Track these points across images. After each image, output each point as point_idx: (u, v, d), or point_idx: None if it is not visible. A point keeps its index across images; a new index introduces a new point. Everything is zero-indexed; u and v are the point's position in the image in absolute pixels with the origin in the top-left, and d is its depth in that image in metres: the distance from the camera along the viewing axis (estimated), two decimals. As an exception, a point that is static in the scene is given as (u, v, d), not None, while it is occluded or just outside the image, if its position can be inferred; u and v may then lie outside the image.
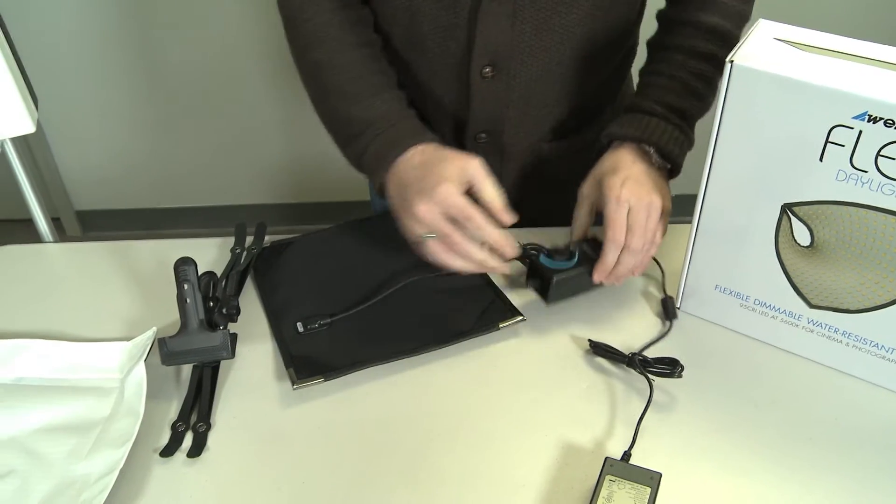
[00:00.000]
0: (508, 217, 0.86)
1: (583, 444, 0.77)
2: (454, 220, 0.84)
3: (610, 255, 0.87)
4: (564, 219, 0.96)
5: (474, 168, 0.85)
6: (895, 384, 0.82)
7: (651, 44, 1.01)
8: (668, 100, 0.92)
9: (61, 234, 2.55)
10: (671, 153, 0.90)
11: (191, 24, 2.17)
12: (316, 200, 2.51)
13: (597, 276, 0.88)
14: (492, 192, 0.85)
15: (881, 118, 0.69)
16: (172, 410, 0.81)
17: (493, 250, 0.85)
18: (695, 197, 0.83)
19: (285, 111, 2.29)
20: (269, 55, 2.10)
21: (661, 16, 1.00)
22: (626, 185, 0.87)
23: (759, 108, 0.74)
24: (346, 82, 0.93)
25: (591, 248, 0.90)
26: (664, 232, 0.91)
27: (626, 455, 0.74)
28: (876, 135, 0.70)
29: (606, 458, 0.73)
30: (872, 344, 0.81)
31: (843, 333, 0.82)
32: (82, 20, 2.16)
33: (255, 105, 2.28)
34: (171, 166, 2.47)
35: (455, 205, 0.83)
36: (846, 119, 0.70)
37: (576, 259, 0.89)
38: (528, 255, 0.91)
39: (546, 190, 1.10)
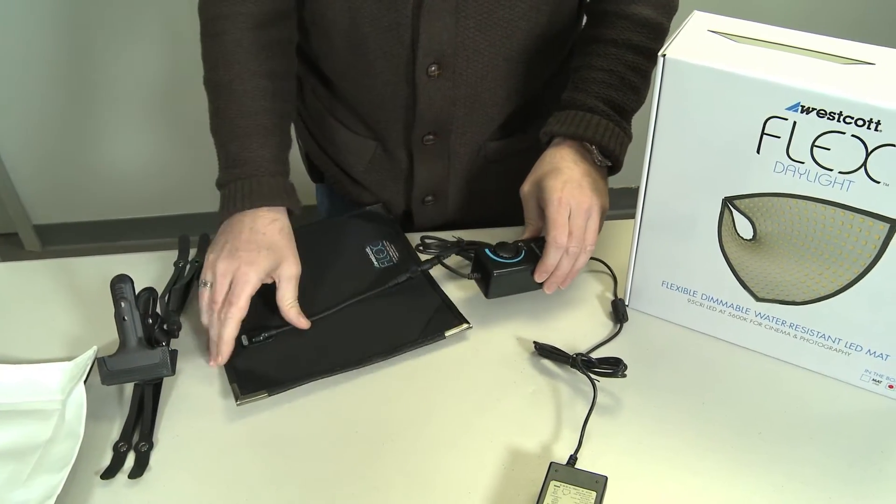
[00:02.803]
0: (304, 324, 0.87)
1: (529, 448, 0.76)
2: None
3: (551, 256, 0.86)
4: (509, 219, 0.95)
5: (287, 274, 0.86)
6: (842, 374, 0.81)
7: (583, 37, 0.99)
8: (608, 95, 0.92)
9: (20, 250, 2.53)
10: (613, 151, 0.90)
11: (144, 32, 2.14)
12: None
13: (538, 276, 0.87)
14: (288, 300, 0.86)
15: (814, 108, 0.68)
16: (114, 431, 0.79)
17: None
18: (637, 190, 0.83)
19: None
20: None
21: (591, 8, 1.00)
22: (567, 188, 0.86)
23: (694, 102, 0.73)
24: (236, 114, 0.90)
25: (539, 248, 0.89)
26: (600, 230, 0.89)
27: (572, 459, 0.73)
28: (810, 125, 0.69)
29: (551, 464, 0.72)
30: (819, 335, 0.80)
31: (790, 325, 0.81)
32: (31, 31, 2.13)
33: (194, 114, 2.24)
34: (131, 176, 2.44)
35: (237, 286, 0.83)
36: (780, 110, 0.69)
37: (521, 256, 0.88)
38: (473, 248, 0.90)
39: (492, 190, 1.09)
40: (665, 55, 0.72)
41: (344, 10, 0.92)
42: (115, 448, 0.77)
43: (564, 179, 0.87)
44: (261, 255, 0.85)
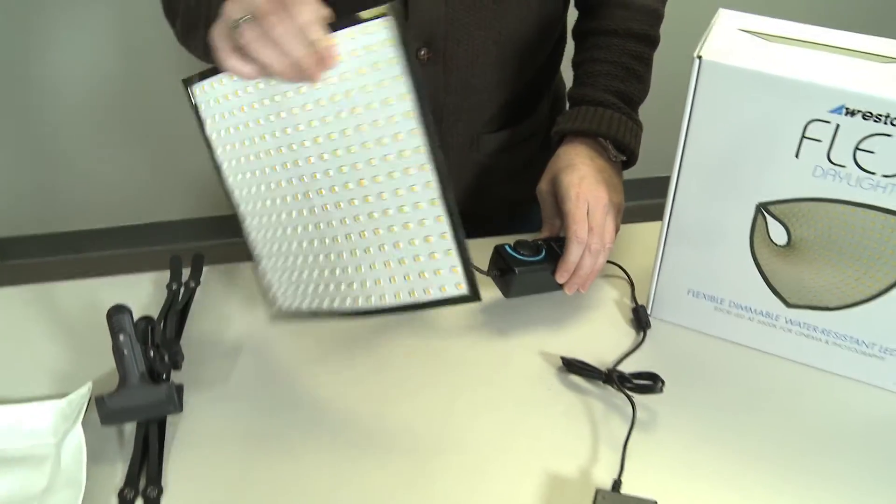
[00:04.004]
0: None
1: (568, 473, 0.72)
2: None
3: (574, 253, 0.82)
4: (504, 217, 0.91)
5: None
6: (876, 379, 0.79)
7: (581, 31, 0.98)
8: (616, 87, 0.90)
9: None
10: (629, 144, 0.88)
11: (104, 30, 2.04)
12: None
13: (559, 276, 0.84)
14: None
15: (859, 111, 0.65)
16: (118, 475, 0.73)
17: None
18: (656, 179, 0.80)
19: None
20: (188, 58, 1.98)
21: (585, 1, 0.98)
22: (584, 183, 0.84)
23: (731, 105, 0.70)
24: None
25: (559, 247, 0.85)
26: (617, 228, 0.87)
27: (617, 483, 0.70)
28: (854, 128, 0.66)
29: (598, 491, 0.68)
30: (853, 340, 0.78)
31: (822, 331, 0.79)
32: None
33: (177, 113, 2.14)
34: (92, 184, 2.33)
35: None
36: (823, 113, 0.67)
37: (542, 255, 0.85)
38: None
39: (486, 187, 1.06)
40: (701, 57, 0.69)
41: None
42: (121, 495, 0.71)
43: (581, 175, 0.85)
44: None
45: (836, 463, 0.73)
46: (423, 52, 0.89)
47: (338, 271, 0.75)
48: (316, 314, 0.76)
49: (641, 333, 0.85)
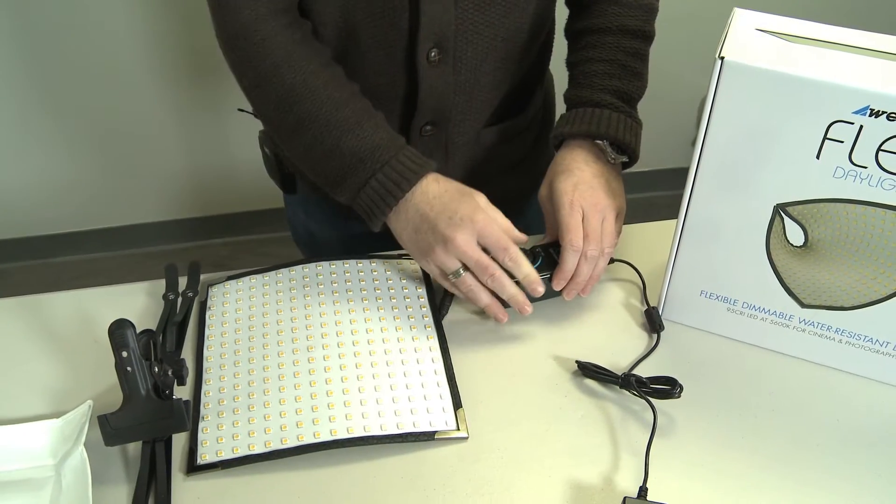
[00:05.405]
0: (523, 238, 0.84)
1: (590, 481, 0.71)
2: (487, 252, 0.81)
3: (569, 262, 0.82)
4: (503, 209, 0.91)
5: (485, 202, 0.82)
6: (892, 377, 0.80)
7: (574, 30, 0.97)
8: (613, 85, 0.89)
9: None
10: (629, 144, 0.87)
11: (68, 26, 1.96)
12: (224, 212, 2.33)
13: (556, 284, 0.83)
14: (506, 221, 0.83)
15: (884, 112, 0.65)
16: (124, 499, 0.70)
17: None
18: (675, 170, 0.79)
19: (181, 119, 2.10)
20: (160, 56, 1.92)
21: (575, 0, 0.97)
22: (578, 189, 0.83)
23: (753, 107, 0.69)
24: (328, 110, 0.82)
25: (557, 253, 0.84)
26: (619, 233, 0.86)
27: (643, 491, 0.69)
28: (878, 129, 0.66)
29: (625, 499, 0.67)
30: (867, 339, 0.78)
31: (836, 331, 0.79)
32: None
33: (147, 115, 2.09)
34: (61, 188, 2.24)
35: (494, 234, 0.79)
36: (847, 114, 0.66)
37: (538, 263, 0.84)
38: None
39: (488, 180, 1.04)
40: (723, 58, 0.67)
41: None
42: (130, 518, 0.68)
43: (575, 181, 0.84)
44: (467, 198, 0.81)
45: (854, 461, 0.73)
46: (433, 54, 0.87)
47: (322, 403, 0.75)
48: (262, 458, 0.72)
49: (655, 336, 0.84)
